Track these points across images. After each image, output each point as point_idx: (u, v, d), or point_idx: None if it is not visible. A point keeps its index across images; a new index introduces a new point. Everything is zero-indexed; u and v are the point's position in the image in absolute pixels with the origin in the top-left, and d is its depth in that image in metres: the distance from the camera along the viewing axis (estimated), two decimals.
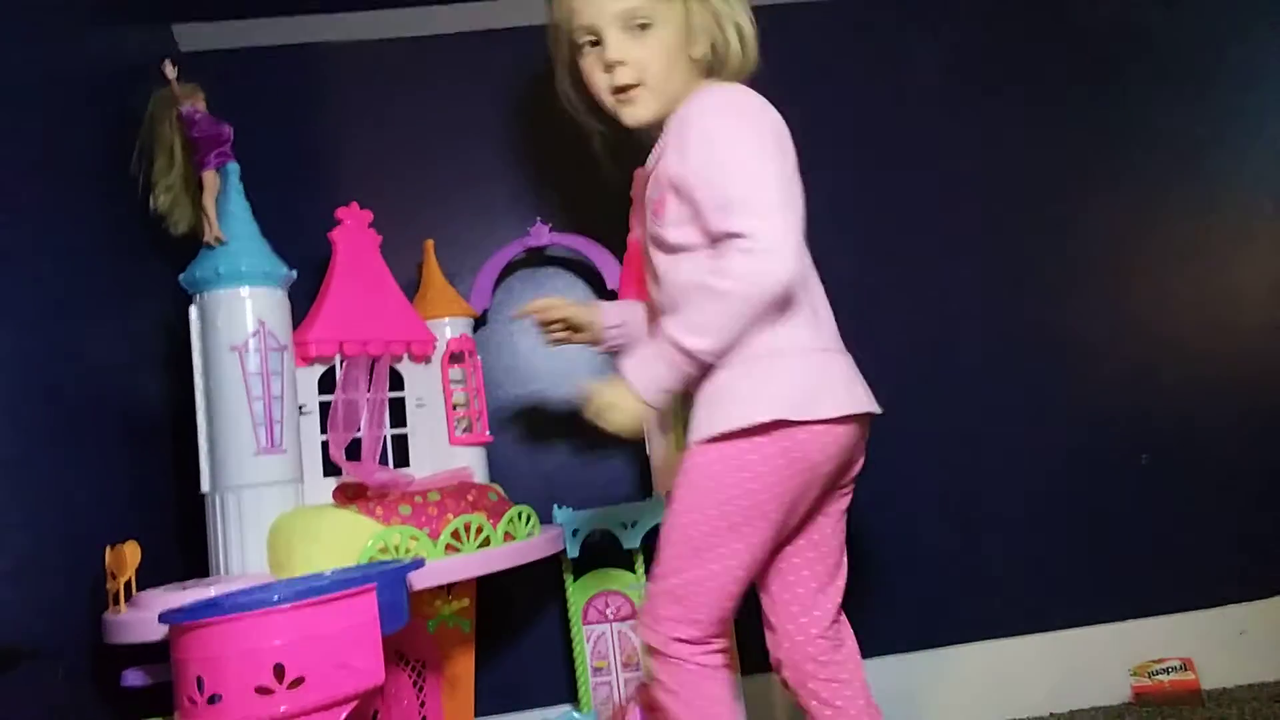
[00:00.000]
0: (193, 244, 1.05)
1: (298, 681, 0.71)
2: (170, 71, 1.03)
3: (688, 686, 0.87)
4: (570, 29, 0.94)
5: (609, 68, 0.92)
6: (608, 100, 0.95)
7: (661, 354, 0.84)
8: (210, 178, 1.04)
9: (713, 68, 0.95)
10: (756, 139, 0.86)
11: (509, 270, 1.39)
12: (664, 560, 0.88)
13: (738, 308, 0.82)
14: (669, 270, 0.91)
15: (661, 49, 0.91)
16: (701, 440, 0.86)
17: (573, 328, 1.08)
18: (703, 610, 0.87)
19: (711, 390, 0.86)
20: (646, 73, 0.92)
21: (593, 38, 0.93)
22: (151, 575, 0.94)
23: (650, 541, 1.25)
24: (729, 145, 0.86)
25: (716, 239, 0.84)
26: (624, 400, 0.85)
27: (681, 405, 1.24)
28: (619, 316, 1.08)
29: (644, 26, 0.91)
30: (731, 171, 0.85)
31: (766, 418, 0.83)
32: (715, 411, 0.85)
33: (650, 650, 0.89)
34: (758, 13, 0.96)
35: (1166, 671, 1.33)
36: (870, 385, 0.92)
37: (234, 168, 1.07)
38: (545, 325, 1.08)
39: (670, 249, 0.91)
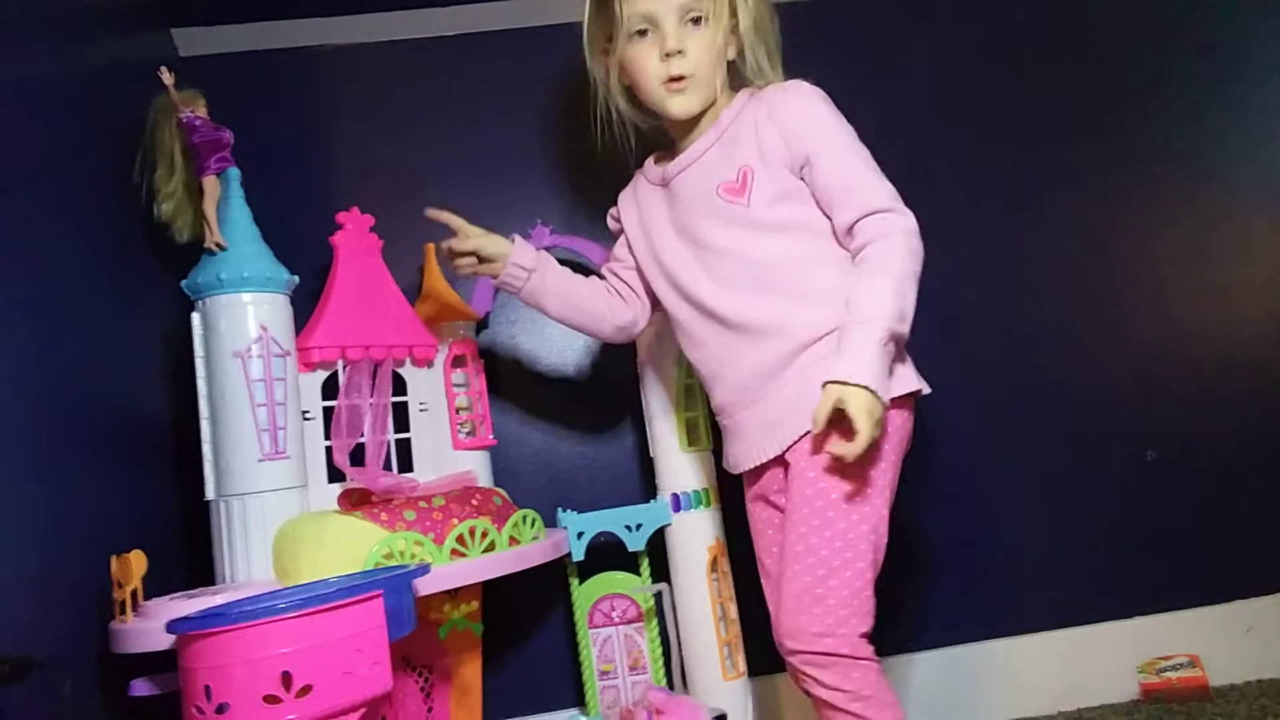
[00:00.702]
0: (196, 251, 1.05)
1: (305, 689, 0.71)
2: (167, 78, 1.03)
3: (880, 687, 0.86)
4: (624, 16, 0.97)
5: (666, 56, 0.97)
6: (657, 89, 0.99)
7: (881, 349, 0.85)
8: (211, 183, 1.03)
9: (738, 73, 1.02)
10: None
11: None
12: (830, 551, 0.86)
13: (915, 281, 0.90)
14: (753, 248, 0.96)
15: (711, 45, 0.98)
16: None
17: (481, 259, 1.08)
18: (871, 597, 0.87)
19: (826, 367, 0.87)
20: (699, 65, 0.98)
21: (646, 26, 0.97)
22: (157, 584, 0.94)
23: (654, 544, 1.25)
24: (847, 130, 0.96)
25: (860, 215, 0.92)
26: (870, 405, 0.83)
27: (685, 403, 1.24)
28: (531, 262, 1.08)
29: (696, 21, 0.97)
30: (860, 152, 0.95)
31: (910, 388, 0.92)
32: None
33: (825, 660, 0.84)
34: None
35: (1174, 668, 1.33)
36: None
37: (235, 173, 1.06)
38: (454, 255, 1.09)
39: (760, 227, 0.95)
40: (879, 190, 0.93)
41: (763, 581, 1.03)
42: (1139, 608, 1.37)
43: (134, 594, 0.89)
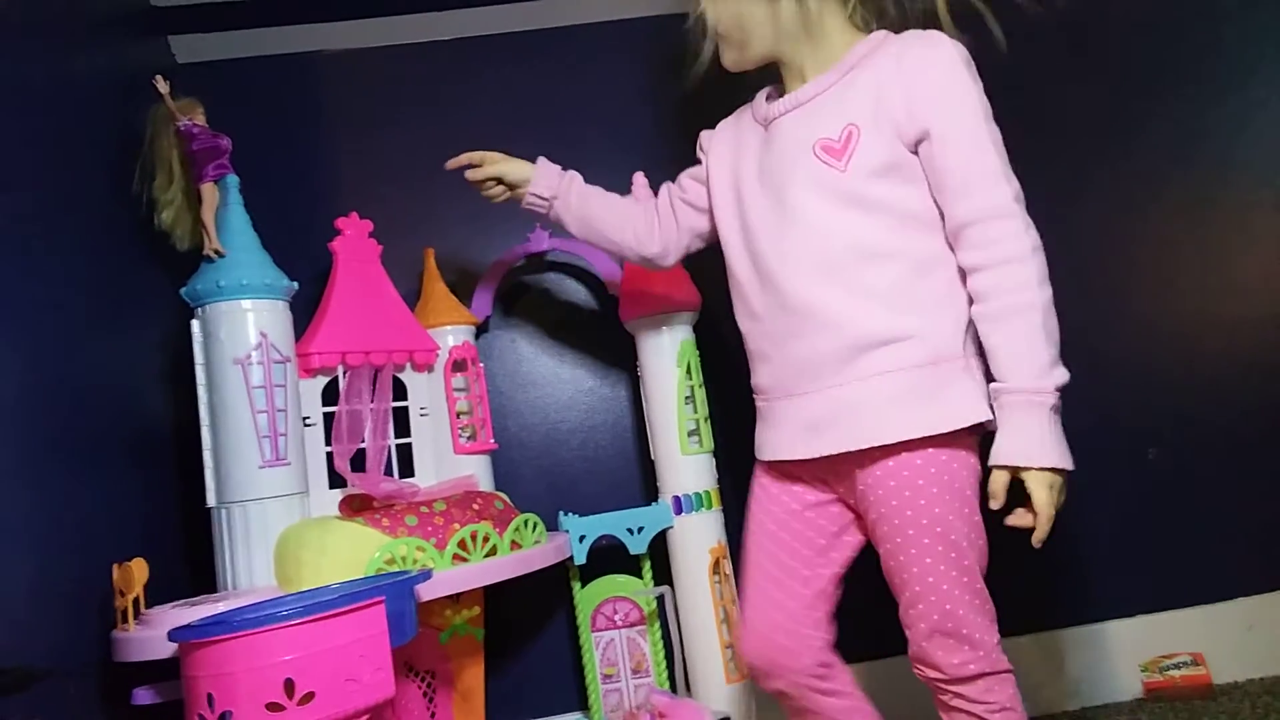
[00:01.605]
0: (196, 258, 1.05)
1: (308, 697, 0.71)
2: (162, 87, 1.03)
3: (1017, 697, 0.83)
4: None
5: None
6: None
7: (1047, 416, 0.77)
8: (209, 191, 1.03)
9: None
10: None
11: (510, 277, 1.38)
12: (956, 568, 0.82)
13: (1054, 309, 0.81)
14: (839, 224, 0.84)
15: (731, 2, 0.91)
16: (927, 435, 0.80)
17: (505, 184, 1.05)
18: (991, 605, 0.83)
19: (924, 382, 0.81)
20: (721, 21, 0.92)
21: None
22: (159, 592, 0.94)
23: (656, 546, 1.25)
24: (985, 106, 0.84)
25: (978, 215, 0.81)
26: (1052, 481, 0.77)
27: (686, 406, 1.24)
28: (550, 190, 1.04)
29: None
30: (994, 136, 0.83)
31: (983, 417, 0.81)
32: (945, 404, 0.81)
33: (973, 679, 0.81)
34: None
35: (1177, 667, 1.33)
36: None
37: (233, 180, 1.06)
38: (478, 182, 1.06)
39: (853, 200, 0.84)
40: (1005, 187, 0.81)
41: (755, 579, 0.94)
42: (1141, 606, 1.37)
43: (136, 602, 0.89)
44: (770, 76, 0.96)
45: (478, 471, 1.22)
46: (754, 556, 0.94)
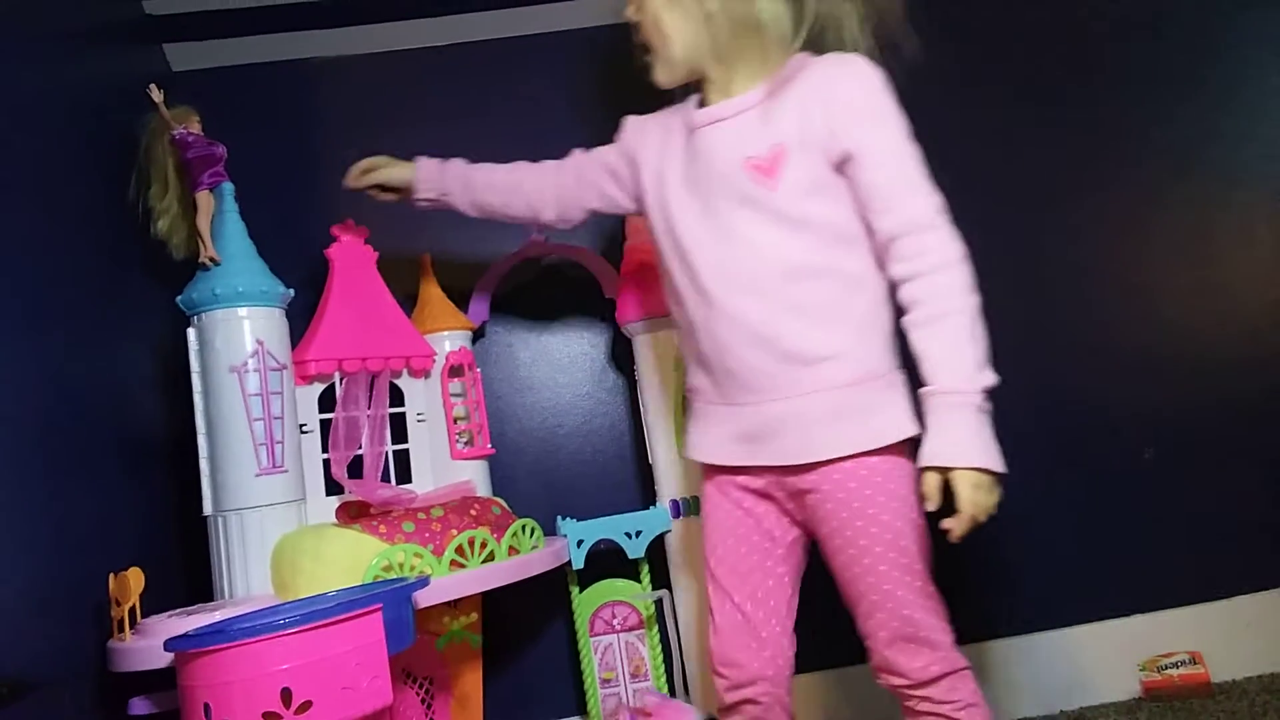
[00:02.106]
0: (192, 266, 1.05)
1: (305, 705, 0.71)
2: (156, 95, 1.03)
3: (978, 691, 0.85)
4: None
5: None
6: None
7: (973, 418, 0.79)
8: (204, 199, 1.03)
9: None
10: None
11: (506, 281, 1.38)
12: (909, 573, 0.84)
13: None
14: (771, 244, 0.86)
15: (650, 11, 0.93)
16: (875, 449, 0.84)
17: (390, 189, 1.11)
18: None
19: (857, 400, 0.84)
20: (650, 33, 0.94)
21: None
22: (155, 600, 0.94)
23: (654, 550, 1.25)
24: (902, 124, 0.87)
25: (905, 229, 0.83)
26: (978, 480, 0.78)
27: (683, 409, 1.24)
28: (434, 192, 1.10)
29: None
30: (913, 153, 0.86)
31: (913, 432, 0.84)
32: (879, 420, 0.84)
33: (936, 680, 0.83)
34: None
35: (1176, 665, 1.33)
36: None
37: (228, 187, 1.06)
38: (363, 189, 1.11)
39: (785, 219, 0.85)
40: (929, 200, 0.84)
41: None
42: (1139, 605, 1.37)
43: (132, 611, 0.89)
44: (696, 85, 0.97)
45: (475, 477, 1.22)
46: (717, 570, 0.94)
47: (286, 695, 0.70)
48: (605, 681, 1.24)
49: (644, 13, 0.92)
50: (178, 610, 0.95)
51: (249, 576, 0.97)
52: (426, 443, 1.22)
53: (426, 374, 1.23)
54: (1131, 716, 1.27)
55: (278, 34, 1.40)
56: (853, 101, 0.86)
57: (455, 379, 1.24)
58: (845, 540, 0.85)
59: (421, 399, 1.22)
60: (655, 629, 1.25)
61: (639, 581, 1.26)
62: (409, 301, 1.30)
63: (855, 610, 0.87)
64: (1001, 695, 1.34)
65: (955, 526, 0.78)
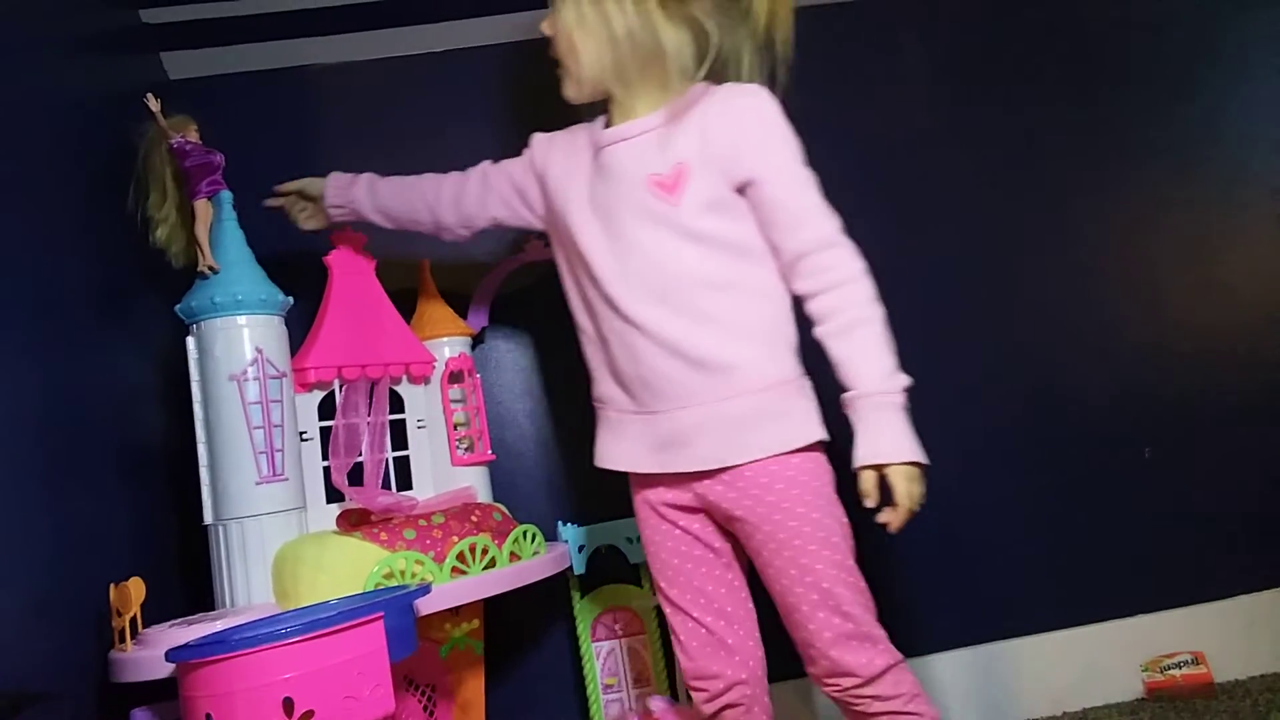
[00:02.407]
0: (191, 275, 1.05)
1: (307, 715, 0.70)
2: (153, 104, 1.03)
3: (917, 681, 0.88)
4: None
5: None
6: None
7: (898, 416, 0.85)
8: (203, 207, 1.03)
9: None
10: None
11: (505, 287, 1.38)
12: (844, 570, 0.87)
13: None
14: (675, 257, 0.89)
15: (562, 29, 0.97)
16: (786, 451, 0.87)
17: (308, 199, 1.16)
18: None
19: (767, 404, 0.87)
20: (560, 49, 0.98)
21: None
22: (156, 610, 0.94)
23: None
24: (799, 150, 0.91)
25: (812, 247, 0.88)
26: (910, 474, 0.84)
27: None
28: (342, 201, 1.14)
29: None
30: (810, 177, 0.91)
31: (823, 436, 0.88)
32: (789, 423, 0.88)
33: (881, 674, 0.85)
34: None
35: (1178, 666, 1.33)
36: None
37: (227, 195, 1.06)
38: (285, 195, 1.16)
39: (687, 234, 0.89)
40: (831, 221, 0.90)
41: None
42: (1141, 606, 1.38)
43: (133, 621, 0.88)
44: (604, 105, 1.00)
45: (476, 483, 1.22)
46: (670, 591, 0.96)
47: (288, 705, 0.70)
48: (607, 687, 1.24)
49: (556, 30, 0.96)
50: (179, 620, 0.95)
51: (250, 585, 0.97)
52: (427, 449, 1.22)
53: (426, 380, 1.23)
54: (1134, 717, 1.27)
55: (275, 41, 1.40)
56: (752, 129, 0.90)
57: (455, 385, 1.24)
58: (780, 543, 0.87)
59: (421, 405, 1.22)
60: (658, 634, 1.25)
61: (641, 586, 1.25)
62: (408, 308, 1.29)
63: (794, 617, 0.88)
64: (1005, 696, 1.34)
65: (894, 519, 0.84)
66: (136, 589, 0.88)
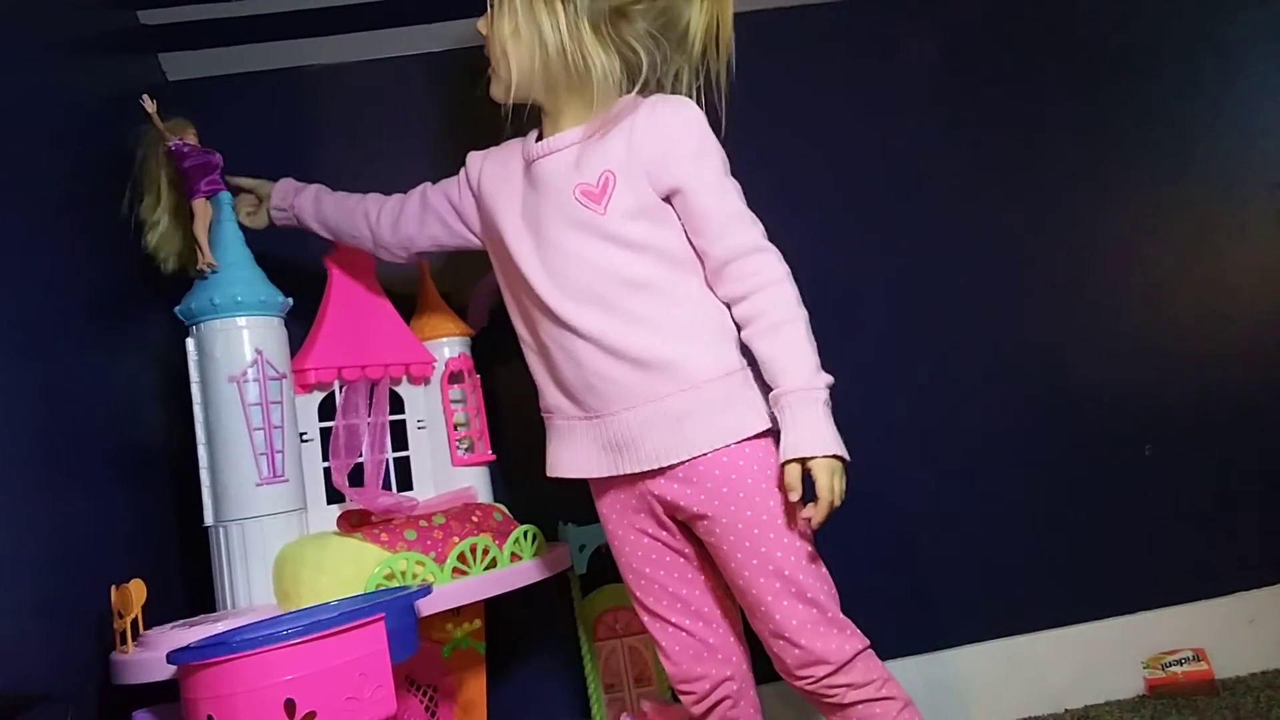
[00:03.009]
0: (187, 277, 1.05)
1: (309, 716, 0.71)
2: (150, 106, 1.03)
3: (883, 665, 0.89)
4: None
5: None
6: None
7: (822, 411, 0.85)
8: (201, 206, 1.03)
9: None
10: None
11: None
12: (804, 555, 0.87)
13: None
14: (603, 257, 0.90)
15: (496, 31, 0.99)
16: (738, 441, 0.88)
17: (258, 195, 1.16)
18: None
19: (711, 396, 0.88)
20: (491, 52, 0.99)
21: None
22: (157, 611, 0.94)
23: None
24: (725, 160, 0.93)
25: (737, 253, 0.90)
26: (833, 467, 0.85)
27: None
28: (284, 201, 1.15)
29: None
30: (735, 186, 0.93)
31: (769, 425, 0.89)
32: (736, 413, 0.89)
33: (852, 660, 0.86)
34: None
35: (1180, 663, 1.33)
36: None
37: (226, 196, 1.06)
38: (236, 186, 1.14)
39: (613, 239, 0.91)
40: (755, 227, 0.92)
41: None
42: (1142, 603, 1.38)
43: (134, 624, 0.88)
44: (536, 118, 1.02)
45: (476, 483, 1.22)
46: (645, 599, 0.97)
47: (290, 706, 0.70)
48: (609, 687, 1.24)
49: (490, 32, 0.97)
50: (180, 622, 0.95)
51: (251, 587, 0.97)
52: (427, 450, 1.21)
53: (426, 381, 1.23)
54: (1136, 714, 1.27)
55: (273, 42, 1.40)
56: (679, 140, 0.91)
57: (455, 385, 1.24)
58: (739, 534, 0.87)
59: (421, 406, 1.22)
60: None
61: None
62: (408, 308, 1.29)
63: (760, 610, 0.88)
64: (1006, 693, 1.34)
65: (816, 514, 0.84)
66: (137, 591, 0.88)
